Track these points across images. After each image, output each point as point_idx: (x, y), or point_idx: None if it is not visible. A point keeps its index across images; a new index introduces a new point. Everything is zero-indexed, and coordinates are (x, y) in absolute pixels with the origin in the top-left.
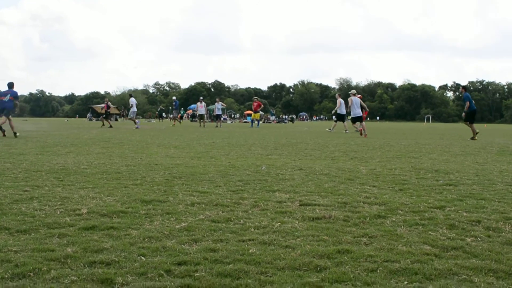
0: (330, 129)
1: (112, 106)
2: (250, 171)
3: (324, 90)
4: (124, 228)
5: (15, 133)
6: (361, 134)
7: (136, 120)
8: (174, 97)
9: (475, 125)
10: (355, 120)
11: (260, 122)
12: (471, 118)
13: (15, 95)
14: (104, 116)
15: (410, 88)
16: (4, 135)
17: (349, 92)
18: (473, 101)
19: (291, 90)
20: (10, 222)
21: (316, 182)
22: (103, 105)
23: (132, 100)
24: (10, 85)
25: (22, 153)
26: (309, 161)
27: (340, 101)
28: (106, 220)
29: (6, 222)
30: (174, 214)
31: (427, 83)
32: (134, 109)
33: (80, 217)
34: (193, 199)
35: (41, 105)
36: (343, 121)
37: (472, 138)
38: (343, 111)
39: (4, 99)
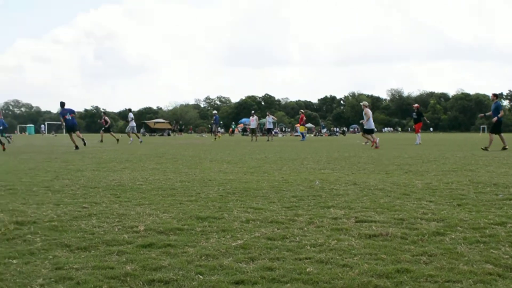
0: (366, 142)
1: (108, 120)
2: (304, 187)
3: (375, 101)
4: (181, 245)
5: (77, 146)
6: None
7: (131, 138)
8: (214, 111)
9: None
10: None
11: (311, 135)
12: (498, 128)
13: (73, 112)
14: (103, 129)
15: (463, 98)
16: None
17: (363, 103)
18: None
19: (341, 102)
20: (70, 239)
21: (371, 197)
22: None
23: (130, 116)
24: (63, 104)
25: (79, 170)
26: (363, 175)
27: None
28: (163, 238)
29: (66, 239)
30: (230, 231)
31: (481, 92)
32: (133, 124)
33: (138, 234)
34: (248, 215)
35: (96, 121)
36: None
37: (504, 148)
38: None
39: (68, 118)
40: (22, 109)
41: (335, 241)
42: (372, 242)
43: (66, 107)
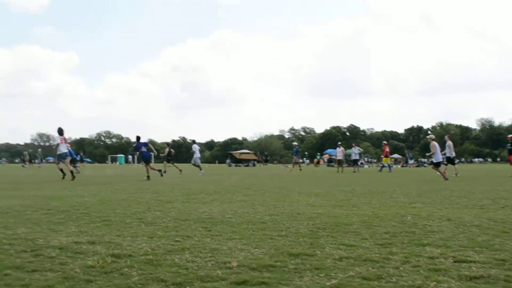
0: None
1: (167, 151)
2: (395, 222)
3: (464, 131)
4: (274, 283)
5: (160, 171)
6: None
7: (202, 171)
8: (294, 143)
9: None
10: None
11: (398, 166)
12: None
13: (147, 144)
14: (169, 160)
15: None
16: (151, 175)
17: (430, 137)
18: None
19: (429, 132)
20: (165, 274)
21: (468, 235)
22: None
23: (195, 147)
24: (139, 138)
25: (170, 201)
26: (456, 210)
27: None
28: (256, 275)
29: (162, 273)
30: (323, 270)
31: None
32: (198, 155)
33: (231, 270)
34: (340, 253)
35: (183, 151)
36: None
37: None
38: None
39: (143, 150)
40: (113, 139)
41: (434, 282)
42: (473, 285)
43: (141, 141)
